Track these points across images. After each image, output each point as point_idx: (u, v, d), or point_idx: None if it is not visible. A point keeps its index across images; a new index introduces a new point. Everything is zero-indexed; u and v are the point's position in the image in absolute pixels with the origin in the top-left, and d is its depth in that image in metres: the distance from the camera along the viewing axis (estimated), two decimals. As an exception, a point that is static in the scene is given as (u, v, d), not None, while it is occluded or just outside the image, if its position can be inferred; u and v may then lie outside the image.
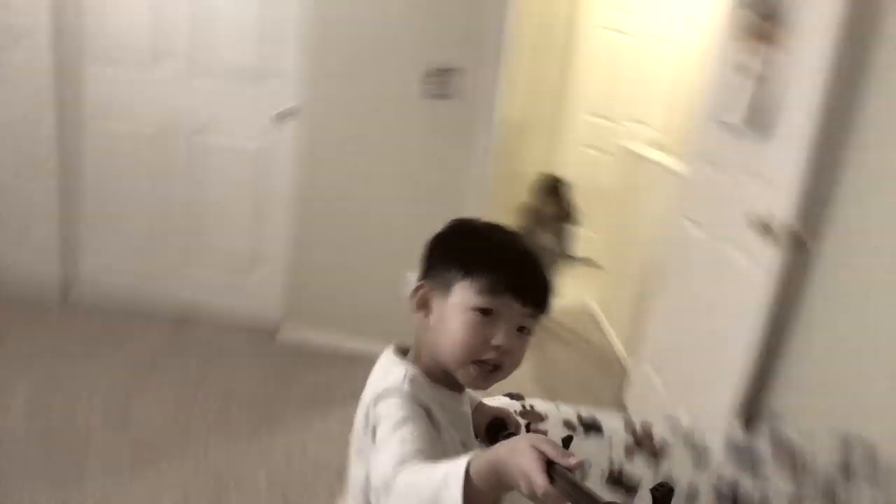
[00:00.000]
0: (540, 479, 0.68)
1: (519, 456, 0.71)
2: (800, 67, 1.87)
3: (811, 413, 1.80)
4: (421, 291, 0.99)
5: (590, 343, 3.67)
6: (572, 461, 0.69)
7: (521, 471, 0.70)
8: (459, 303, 0.94)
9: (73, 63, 2.99)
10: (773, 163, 1.97)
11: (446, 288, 0.96)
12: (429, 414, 0.91)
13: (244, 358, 2.96)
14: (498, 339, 0.93)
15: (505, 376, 0.97)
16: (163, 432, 2.35)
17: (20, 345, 2.79)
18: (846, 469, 1.37)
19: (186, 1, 2.93)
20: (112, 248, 3.22)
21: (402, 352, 1.02)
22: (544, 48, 4.54)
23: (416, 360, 0.99)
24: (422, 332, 1.00)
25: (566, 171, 4.12)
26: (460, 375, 0.97)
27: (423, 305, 0.99)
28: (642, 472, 1.35)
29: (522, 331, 0.96)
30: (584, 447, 1.34)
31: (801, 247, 1.84)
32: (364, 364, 1.06)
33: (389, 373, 0.96)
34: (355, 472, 0.97)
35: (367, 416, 0.92)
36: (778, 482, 1.36)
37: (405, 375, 0.94)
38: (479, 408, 1.13)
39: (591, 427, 1.34)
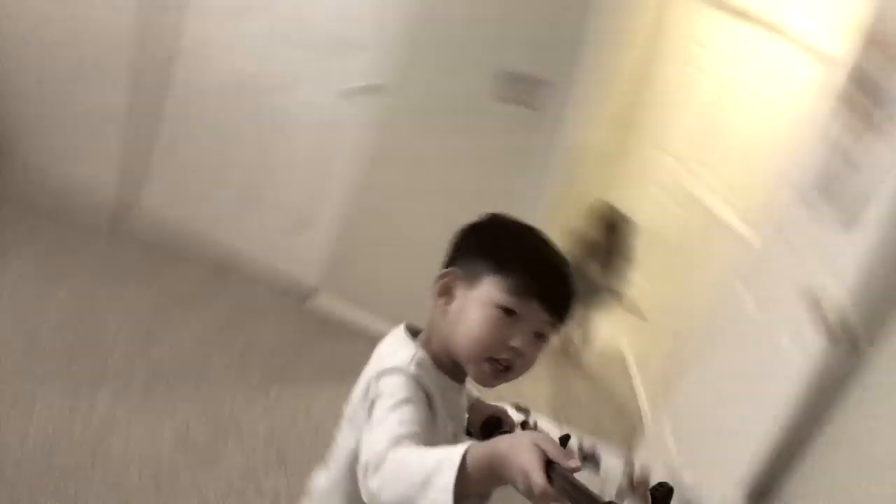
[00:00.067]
0: (539, 478, 0.67)
1: (519, 452, 0.70)
2: (896, 160, 1.80)
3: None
4: (447, 278, 0.98)
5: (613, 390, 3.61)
6: (572, 463, 0.68)
7: (520, 467, 0.69)
8: (485, 297, 0.93)
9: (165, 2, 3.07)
10: (845, 249, 1.89)
11: (474, 280, 0.95)
12: (429, 400, 0.90)
13: (272, 314, 3.00)
14: (516, 340, 0.92)
15: (514, 378, 0.96)
16: (178, 367, 2.41)
17: (64, 260, 2.87)
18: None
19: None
20: (170, 185, 3.28)
21: (413, 333, 1.02)
22: (620, 70, 4.35)
23: (426, 345, 0.98)
24: (438, 319, 0.99)
25: (624, 203, 4.00)
26: (471, 370, 0.96)
27: (446, 292, 0.98)
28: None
29: (539, 337, 0.95)
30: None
31: (851, 342, 1.76)
32: (385, 348, 1.05)
33: (398, 351, 0.96)
34: (343, 441, 0.97)
35: (367, 388, 0.92)
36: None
37: (413, 357, 0.93)
38: (476, 404, 1.12)
39: (589, 459, 1.31)
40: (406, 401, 0.85)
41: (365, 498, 0.80)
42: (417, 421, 0.84)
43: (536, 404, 2.83)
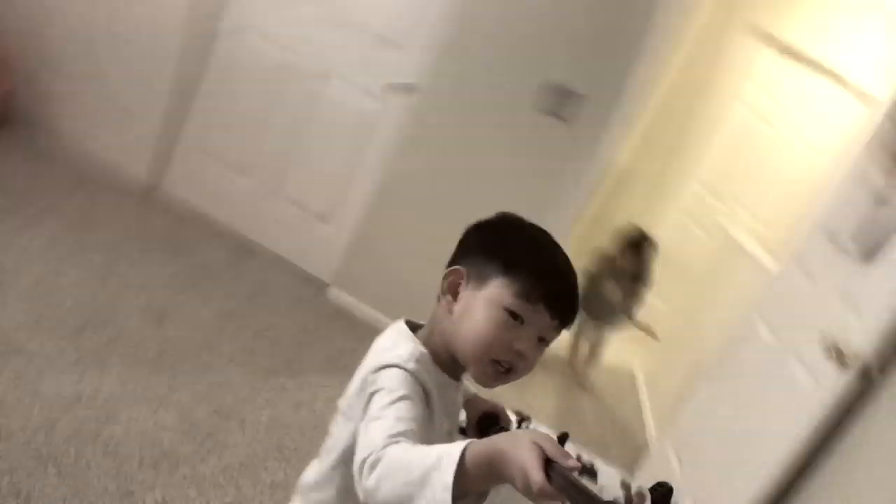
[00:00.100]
0: (538, 476, 0.67)
1: (519, 450, 0.69)
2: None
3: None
4: (454, 276, 0.98)
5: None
6: (572, 463, 0.68)
7: (519, 465, 0.69)
8: (492, 299, 0.93)
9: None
10: (868, 289, 1.87)
11: (482, 280, 0.95)
12: (427, 397, 0.90)
13: (287, 302, 3.02)
14: (521, 344, 0.92)
15: (515, 380, 0.96)
16: (189, 345, 2.42)
17: (90, 227, 2.91)
18: None
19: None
20: (203, 162, 3.35)
21: (413, 328, 1.01)
22: (664, 96, 4.37)
23: (427, 341, 0.98)
24: (442, 316, 0.98)
25: (655, 231, 4.00)
26: (472, 370, 0.95)
27: (452, 291, 0.98)
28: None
29: (542, 341, 0.95)
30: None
31: (865, 375, 1.74)
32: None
33: (398, 346, 0.95)
34: (338, 434, 0.96)
35: (364, 381, 0.91)
36: None
37: (413, 353, 0.93)
38: (472, 401, 1.11)
39: (587, 472, 1.29)
40: (404, 397, 0.85)
41: (361, 495, 0.79)
42: (414, 418, 0.83)
43: (541, 413, 2.79)
